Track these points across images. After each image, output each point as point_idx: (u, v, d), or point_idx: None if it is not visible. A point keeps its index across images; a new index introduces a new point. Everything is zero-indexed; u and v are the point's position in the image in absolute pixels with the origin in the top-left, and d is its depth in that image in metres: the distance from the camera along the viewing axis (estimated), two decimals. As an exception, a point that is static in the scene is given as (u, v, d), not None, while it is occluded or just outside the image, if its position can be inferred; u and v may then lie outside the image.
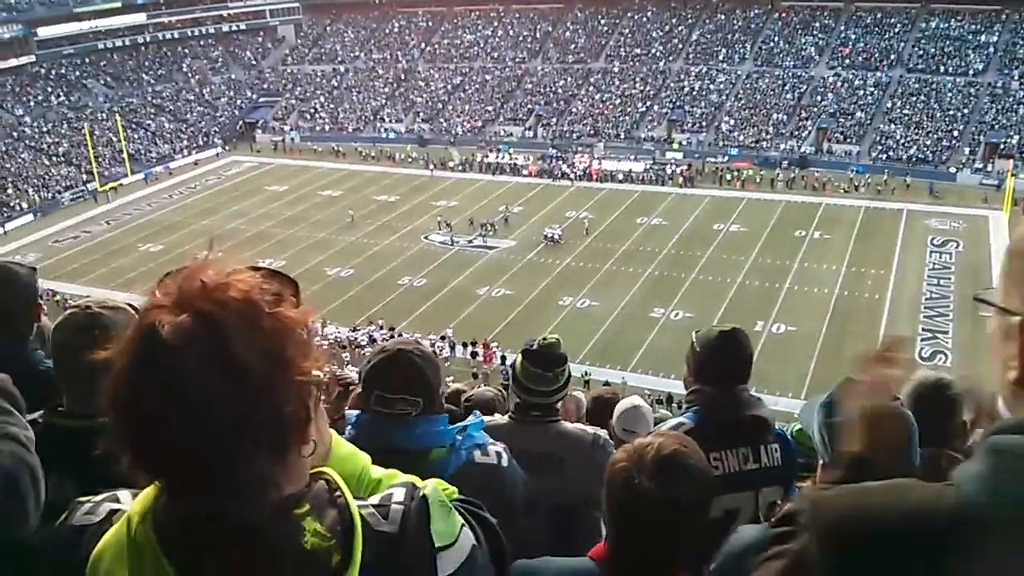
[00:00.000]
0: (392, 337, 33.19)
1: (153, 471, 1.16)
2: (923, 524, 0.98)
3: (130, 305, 2.27)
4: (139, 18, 73.41)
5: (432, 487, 1.37)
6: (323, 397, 1.30)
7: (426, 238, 45.33)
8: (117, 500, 1.46)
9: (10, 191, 54.17)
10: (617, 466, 2.09)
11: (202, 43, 77.87)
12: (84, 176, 57.51)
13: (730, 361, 3.17)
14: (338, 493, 1.24)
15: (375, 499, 1.32)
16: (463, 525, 1.35)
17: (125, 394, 1.09)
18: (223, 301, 1.10)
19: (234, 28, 78.70)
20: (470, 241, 44.19)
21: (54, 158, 59.49)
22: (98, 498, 1.50)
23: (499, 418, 3.53)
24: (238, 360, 1.07)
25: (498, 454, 2.56)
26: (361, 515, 1.23)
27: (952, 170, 49.44)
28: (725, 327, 3.24)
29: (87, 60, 71.37)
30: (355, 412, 2.63)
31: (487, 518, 1.47)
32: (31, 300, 2.92)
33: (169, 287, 1.15)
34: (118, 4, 71.66)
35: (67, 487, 1.83)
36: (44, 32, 67.91)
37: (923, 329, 33.02)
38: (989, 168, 48.77)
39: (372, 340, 33.32)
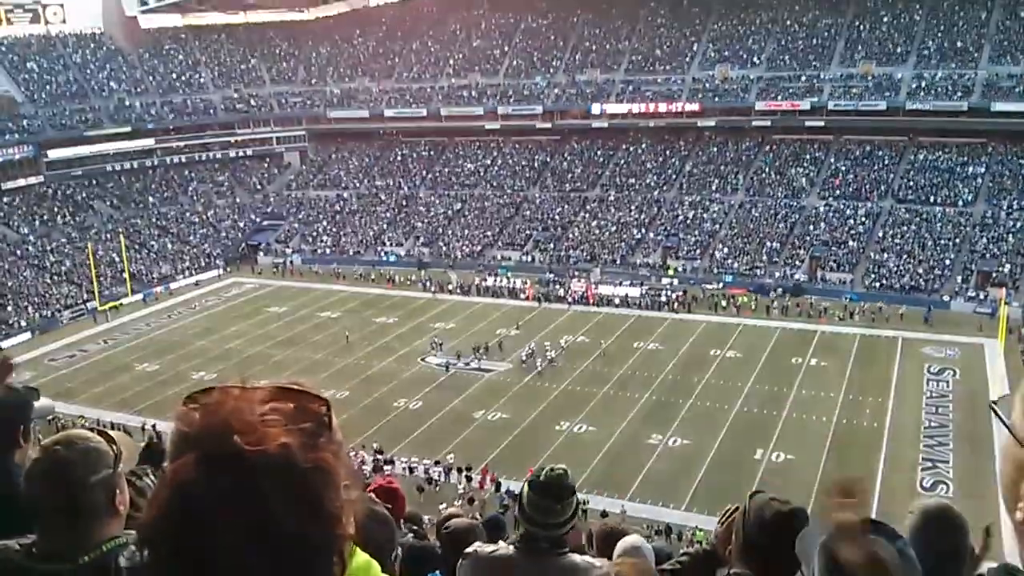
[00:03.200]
0: (384, 461, 32.80)
1: None
2: None
3: (105, 435, 2.18)
4: (148, 142, 75.42)
5: None
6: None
7: (423, 360, 45.25)
8: None
9: (10, 308, 54.45)
10: None
11: (208, 167, 79.68)
12: (85, 295, 57.90)
13: (786, 550, 2.74)
14: None
15: None
16: None
17: (160, 547, 1.07)
18: (259, 460, 1.05)
19: (241, 154, 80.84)
20: (467, 364, 44.10)
21: (56, 276, 60.05)
22: None
23: (504, 547, 3.43)
24: (277, 523, 1.05)
25: None
26: None
27: (946, 298, 49.92)
28: (783, 507, 2.85)
29: (94, 181, 72.86)
30: None
31: None
32: (17, 420, 2.77)
33: (195, 426, 1.11)
34: (128, 128, 73.87)
35: None
36: (54, 154, 69.86)
37: (923, 458, 32.61)
38: (983, 296, 49.29)
39: (362, 463, 32.83)
